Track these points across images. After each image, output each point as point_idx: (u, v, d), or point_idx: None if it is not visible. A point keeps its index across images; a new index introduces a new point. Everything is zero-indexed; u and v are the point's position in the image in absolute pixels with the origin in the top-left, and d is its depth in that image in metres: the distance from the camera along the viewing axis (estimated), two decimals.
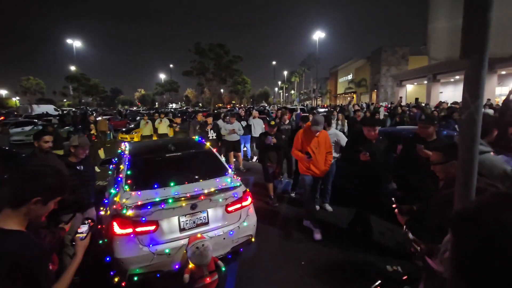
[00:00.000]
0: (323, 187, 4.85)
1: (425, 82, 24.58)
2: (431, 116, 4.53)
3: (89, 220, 1.66)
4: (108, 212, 2.84)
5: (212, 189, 2.96)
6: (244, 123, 8.17)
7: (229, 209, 3.04)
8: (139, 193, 2.79)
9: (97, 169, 5.70)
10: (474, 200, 1.00)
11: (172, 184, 2.95)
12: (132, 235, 2.60)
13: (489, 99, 12.42)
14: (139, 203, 2.66)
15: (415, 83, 28.73)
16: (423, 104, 14.67)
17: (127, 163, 3.25)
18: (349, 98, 35.03)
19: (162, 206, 2.68)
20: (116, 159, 3.98)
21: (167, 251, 2.65)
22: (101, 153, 8.60)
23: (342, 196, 4.88)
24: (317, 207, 4.85)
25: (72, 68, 36.17)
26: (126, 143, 4.20)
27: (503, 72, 18.43)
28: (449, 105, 11.67)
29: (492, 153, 2.17)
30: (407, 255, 1.66)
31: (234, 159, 7.65)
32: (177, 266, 2.70)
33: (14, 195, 1.19)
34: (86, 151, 3.11)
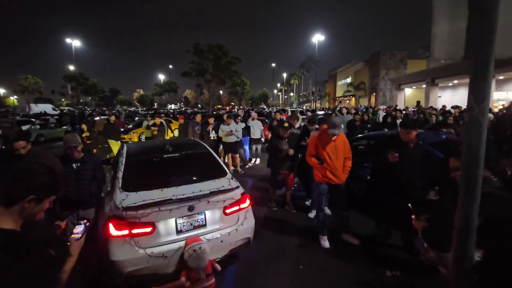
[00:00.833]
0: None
1: (424, 86, 24.69)
2: (413, 120, 4.51)
3: (85, 220, 1.63)
4: (104, 213, 2.79)
5: (210, 191, 2.92)
6: (243, 125, 8.15)
7: (227, 211, 3.00)
8: (135, 194, 2.75)
9: None
10: None
11: (169, 185, 2.90)
12: (128, 237, 2.56)
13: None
14: (136, 204, 2.62)
15: (414, 87, 28.86)
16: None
17: (124, 163, 3.21)
18: (336, 103, 35.03)
19: (159, 207, 2.64)
20: (114, 159, 3.94)
21: (163, 253, 2.60)
22: (115, 147, 7.78)
23: (362, 205, 4.39)
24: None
25: (71, 67, 36.08)
26: (124, 144, 4.16)
27: (501, 77, 18.55)
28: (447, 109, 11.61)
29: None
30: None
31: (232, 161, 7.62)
32: (173, 269, 2.65)
33: (7, 194, 1.17)
34: (78, 149, 3.09)
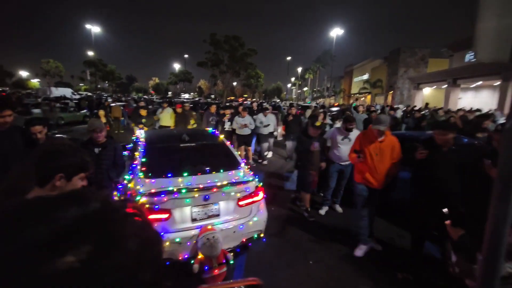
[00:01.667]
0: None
1: (444, 86, 23.76)
2: (453, 122, 4.26)
3: None
4: (122, 198, 2.88)
5: (225, 182, 2.95)
6: (266, 117, 7.78)
7: (241, 203, 3.04)
8: (153, 181, 2.82)
9: None
10: None
11: (185, 174, 2.96)
12: None
13: None
14: (153, 191, 2.68)
15: (434, 87, 27.83)
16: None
17: (142, 150, 3.28)
18: (352, 101, 34.03)
19: (176, 195, 2.70)
20: (131, 145, 4.02)
21: (177, 240, 2.67)
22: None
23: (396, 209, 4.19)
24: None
25: (90, 53, 36.80)
26: (142, 130, 4.24)
27: None
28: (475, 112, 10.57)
29: None
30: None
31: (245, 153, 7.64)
32: (186, 256, 2.72)
33: (37, 174, 1.26)
34: (103, 133, 3.17)
